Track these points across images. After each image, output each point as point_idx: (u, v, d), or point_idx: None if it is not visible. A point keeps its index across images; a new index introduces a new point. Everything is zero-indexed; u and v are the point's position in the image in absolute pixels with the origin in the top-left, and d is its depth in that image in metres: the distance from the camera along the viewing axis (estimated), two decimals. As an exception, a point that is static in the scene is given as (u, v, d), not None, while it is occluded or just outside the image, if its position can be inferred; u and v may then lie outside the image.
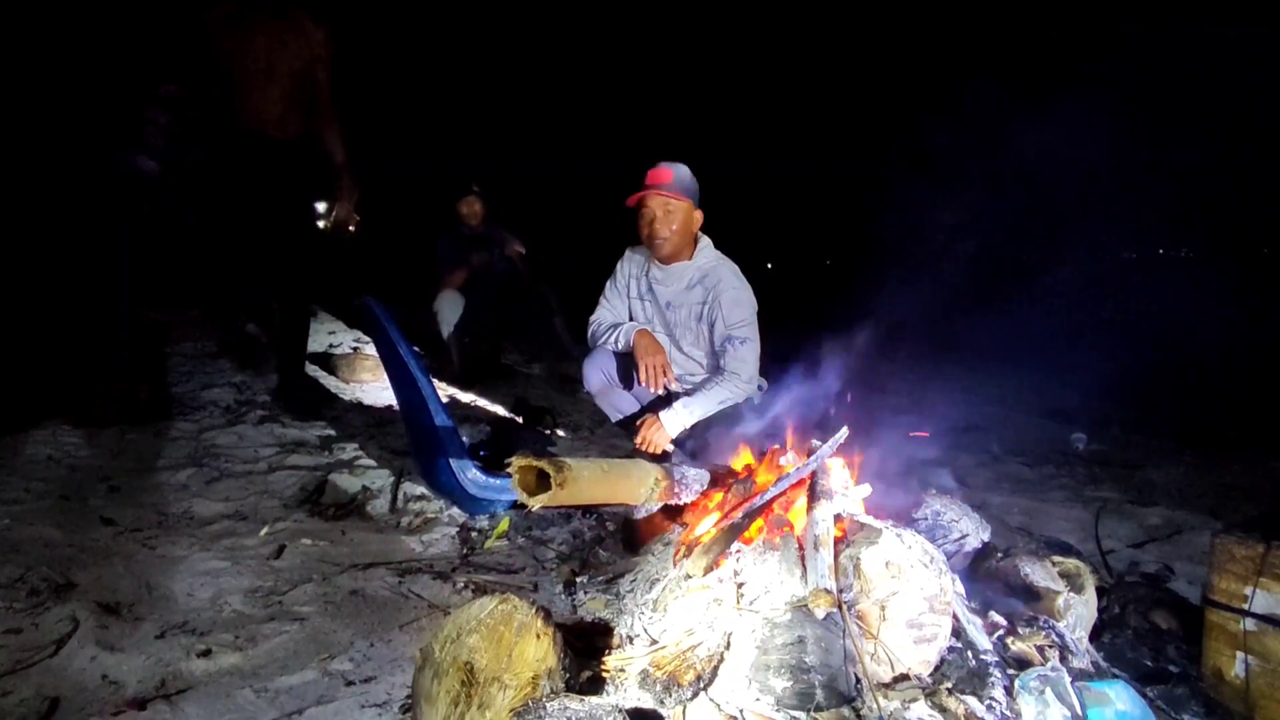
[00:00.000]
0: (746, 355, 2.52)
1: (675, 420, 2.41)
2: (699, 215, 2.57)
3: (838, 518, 1.65)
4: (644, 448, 2.41)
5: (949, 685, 1.40)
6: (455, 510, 2.36)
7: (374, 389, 4.11)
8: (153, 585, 1.74)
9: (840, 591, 1.44)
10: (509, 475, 1.55)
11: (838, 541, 1.57)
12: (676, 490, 1.79)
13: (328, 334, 5.45)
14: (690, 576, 1.61)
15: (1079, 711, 1.37)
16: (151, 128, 2.98)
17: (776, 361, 2.86)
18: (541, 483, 1.48)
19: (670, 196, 2.47)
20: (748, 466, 1.99)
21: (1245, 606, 1.62)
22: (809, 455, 1.88)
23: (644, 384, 2.51)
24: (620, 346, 2.67)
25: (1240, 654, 1.63)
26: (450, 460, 2.26)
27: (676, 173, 2.49)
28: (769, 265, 11.28)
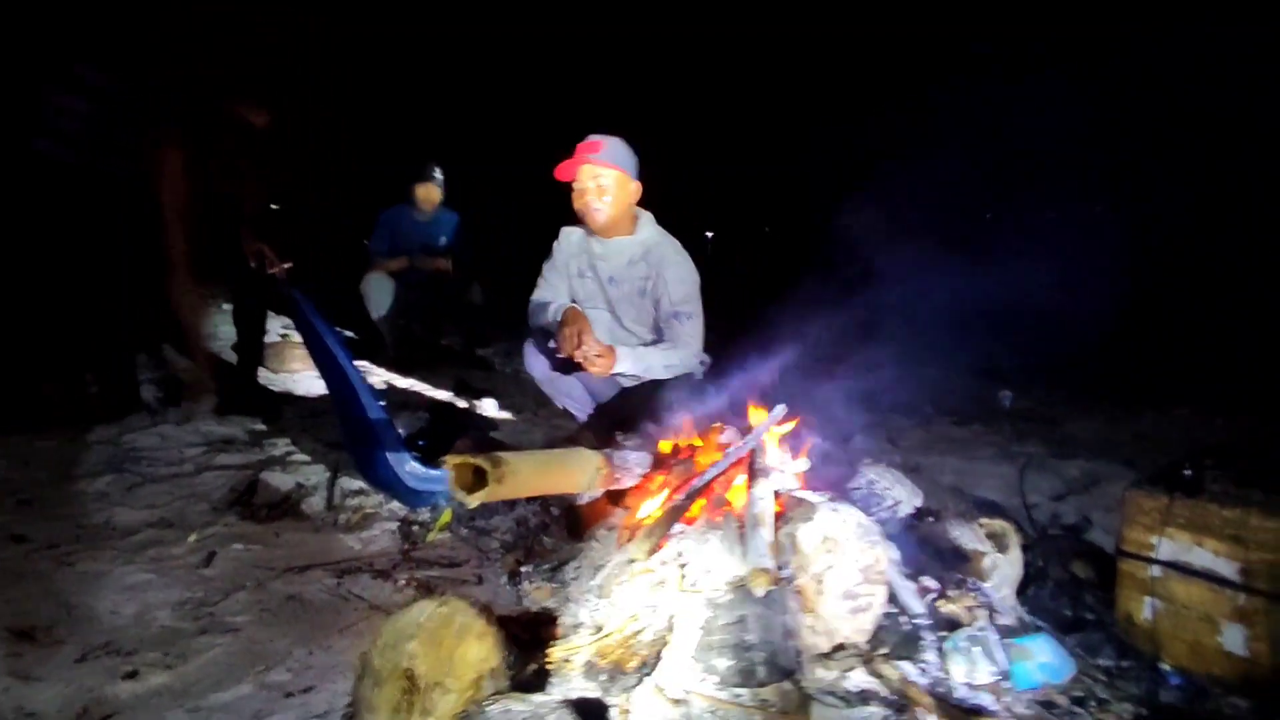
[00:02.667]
0: (693, 330, 2.55)
1: (628, 357, 2.42)
2: (636, 187, 2.53)
3: (776, 494, 1.68)
4: (582, 360, 2.36)
5: (885, 651, 1.46)
6: (396, 504, 2.31)
7: (306, 379, 3.98)
8: (71, 605, 1.65)
9: (779, 568, 1.47)
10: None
11: (777, 517, 1.60)
12: (618, 475, 1.79)
13: (255, 321, 5.23)
14: (634, 561, 1.63)
15: (1004, 667, 1.45)
16: (63, 113, 2.78)
17: (719, 334, 2.89)
18: (479, 479, 1.46)
19: (601, 165, 2.43)
20: (689, 446, 2.00)
21: (1152, 555, 1.73)
22: (748, 433, 1.90)
23: (561, 348, 2.49)
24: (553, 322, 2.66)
25: (1148, 598, 1.75)
26: (387, 454, 2.21)
27: (607, 142, 2.45)
28: (709, 234, 11.30)
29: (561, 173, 2.51)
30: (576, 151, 2.47)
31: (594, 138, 2.48)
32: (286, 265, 3.07)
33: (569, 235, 2.73)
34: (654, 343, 2.59)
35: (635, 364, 2.45)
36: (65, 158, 2.75)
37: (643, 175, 2.57)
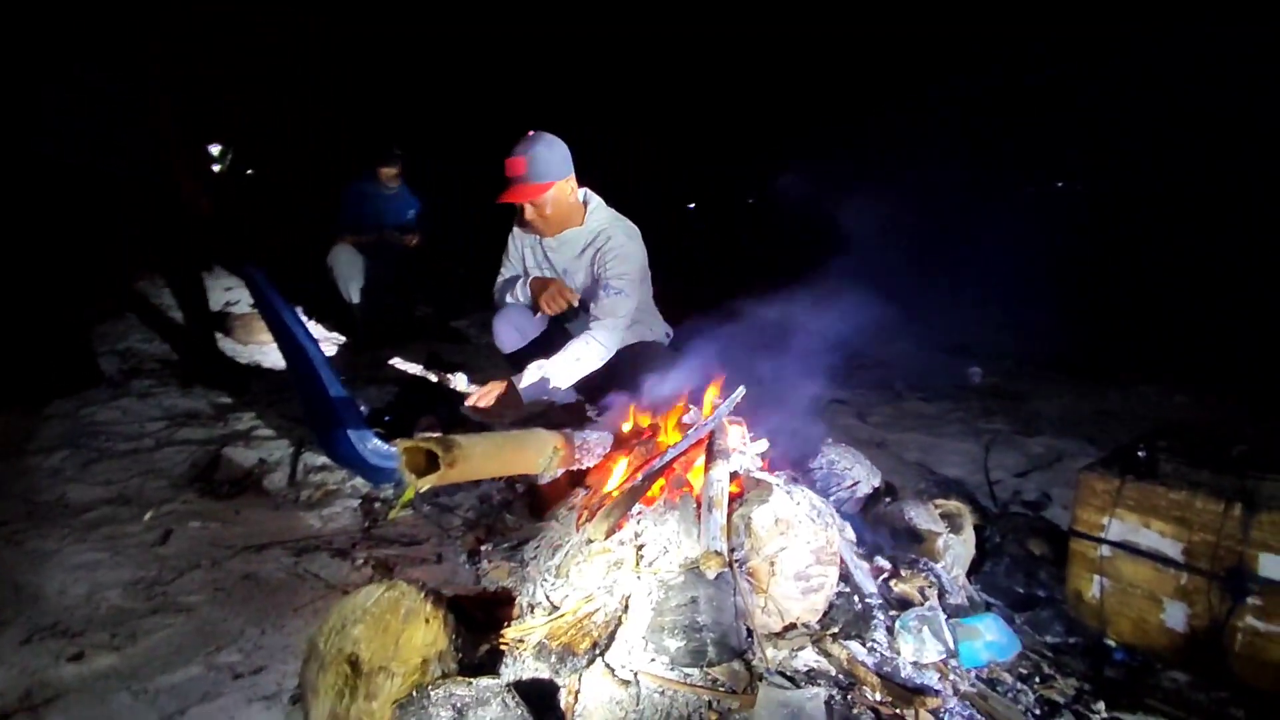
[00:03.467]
0: (616, 305, 2.46)
1: (531, 381, 2.32)
2: (571, 186, 2.46)
3: (734, 475, 1.69)
4: (475, 412, 2.32)
5: (834, 631, 1.47)
6: (359, 480, 2.30)
7: (274, 351, 3.90)
8: (19, 585, 1.63)
9: (732, 550, 1.48)
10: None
11: (735, 498, 1.60)
12: (577, 456, 1.79)
13: (224, 291, 5.12)
14: (592, 541, 1.63)
15: (952, 646, 1.47)
16: (51, 109, 2.71)
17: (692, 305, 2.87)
18: (431, 461, 1.44)
19: (530, 190, 2.35)
20: (651, 425, 2.00)
21: (1102, 535, 1.77)
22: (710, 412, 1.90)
23: (548, 312, 2.49)
24: (523, 299, 2.63)
25: (1097, 577, 1.79)
26: (348, 430, 2.19)
27: (530, 159, 2.33)
28: (692, 205, 11.21)
29: (501, 200, 2.43)
30: (505, 172, 2.37)
31: (516, 154, 2.34)
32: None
33: (521, 229, 2.67)
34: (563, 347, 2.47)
35: (541, 382, 2.33)
36: (65, 157, 2.70)
37: (626, 158, 2.51)
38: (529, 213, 2.42)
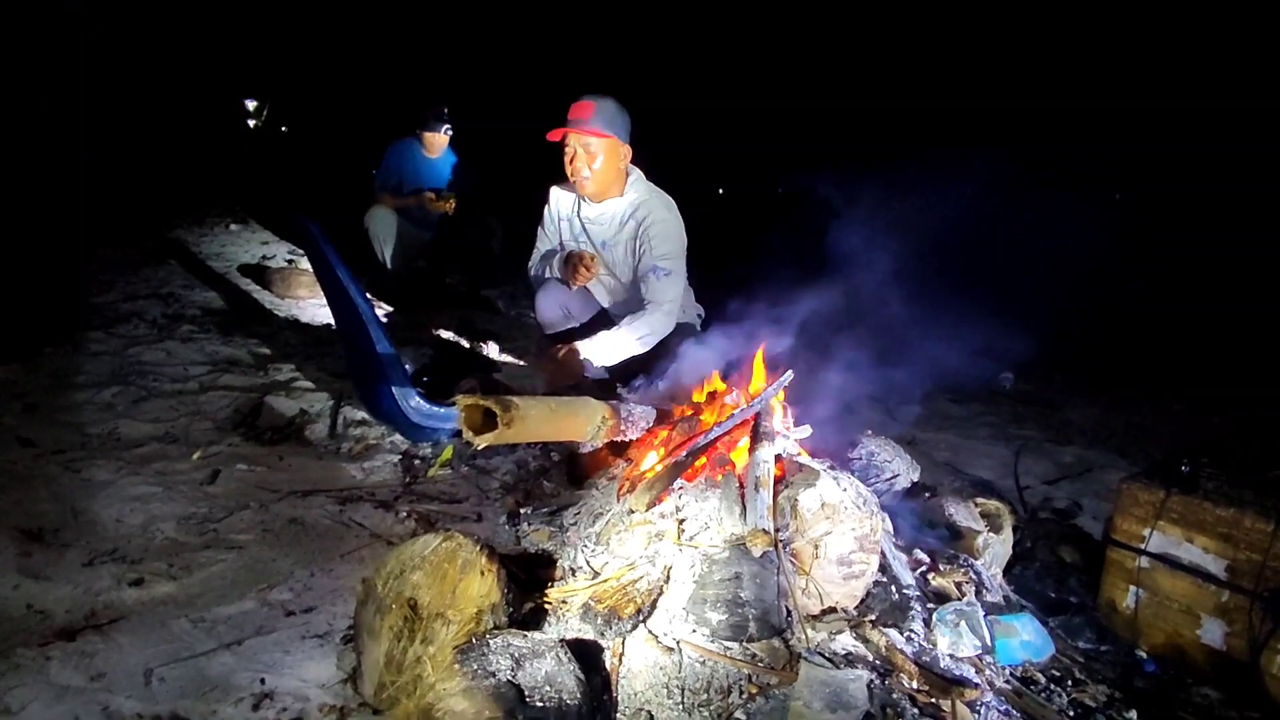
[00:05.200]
0: (668, 287, 2.47)
1: (594, 350, 2.36)
2: (627, 150, 2.45)
3: (778, 458, 1.70)
4: (553, 370, 2.38)
5: (873, 618, 1.49)
6: (397, 437, 2.33)
7: (311, 305, 3.96)
8: (78, 510, 1.68)
9: (777, 530, 1.49)
10: (453, 405, 1.53)
11: (777, 481, 1.62)
12: (623, 428, 1.80)
13: (260, 244, 5.18)
14: (633, 511, 1.65)
15: (988, 642, 1.48)
16: None
17: (724, 289, 2.87)
18: (488, 420, 1.47)
19: (591, 133, 2.33)
20: (693, 405, 2.01)
21: (1142, 546, 1.76)
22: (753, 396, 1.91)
23: (573, 285, 2.51)
24: (560, 275, 2.63)
25: (1133, 587, 1.78)
26: (392, 387, 2.21)
27: (599, 107, 2.33)
28: (720, 190, 11.14)
29: (553, 135, 2.41)
30: (569, 113, 2.37)
31: (586, 99, 2.36)
32: None
33: (559, 200, 2.65)
34: (623, 321, 2.51)
35: (603, 352, 2.37)
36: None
37: (637, 138, 2.50)
38: (580, 159, 2.37)
